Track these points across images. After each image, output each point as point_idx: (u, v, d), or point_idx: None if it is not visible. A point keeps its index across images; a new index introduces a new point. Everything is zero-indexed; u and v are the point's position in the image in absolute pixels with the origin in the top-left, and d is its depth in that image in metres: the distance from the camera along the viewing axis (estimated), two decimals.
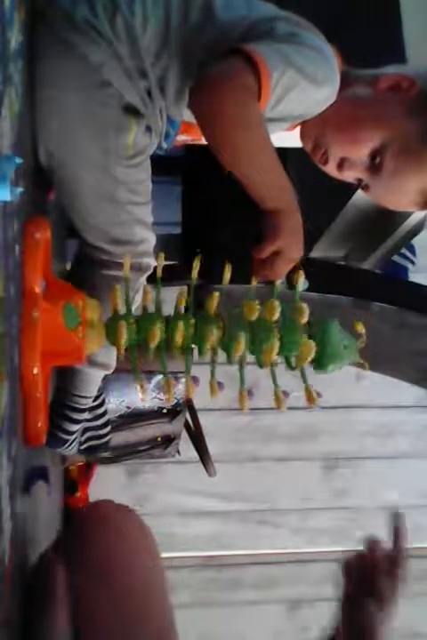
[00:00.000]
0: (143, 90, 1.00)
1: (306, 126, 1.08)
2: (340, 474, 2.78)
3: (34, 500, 1.05)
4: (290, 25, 1.01)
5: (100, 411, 1.26)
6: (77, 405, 1.17)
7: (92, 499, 2.41)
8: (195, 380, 0.85)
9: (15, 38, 0.77)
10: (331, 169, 1.08)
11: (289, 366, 0.88)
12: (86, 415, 1.20)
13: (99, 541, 0.95)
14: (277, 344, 0.85)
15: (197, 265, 0.89)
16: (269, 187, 0.98)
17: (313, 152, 1.08)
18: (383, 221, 2.19)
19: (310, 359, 0.86)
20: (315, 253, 2.34)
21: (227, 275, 0.89)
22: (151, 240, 1.11)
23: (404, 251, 2.48)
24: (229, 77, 0.93)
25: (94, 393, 1.19)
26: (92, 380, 1.17)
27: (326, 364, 0.88)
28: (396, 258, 2.49)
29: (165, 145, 1.12)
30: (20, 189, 0.64)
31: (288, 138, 1.13)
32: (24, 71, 0.86)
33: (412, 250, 2.53)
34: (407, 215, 2.08)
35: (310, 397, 0.85)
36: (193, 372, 0.87)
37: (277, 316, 0.85)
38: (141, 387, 0.87)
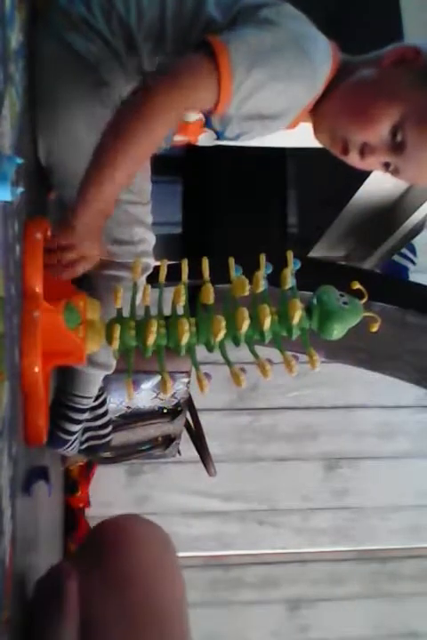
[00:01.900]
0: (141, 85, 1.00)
1: (317, 122, 1.05)
2: (340, 474, 2.78)
3: (34, 500, 1.05)
4: (276, 13, 0.99)
5: (101, 410, 1.26)
6: (78, 406, 1.17)
7: (92, 499, 2.42)
8: (207, 375, 0.85)
9: (16, 38, 0.77)
10: (353, 159, 1.04)
11: (289, 335, 0.88)
12: (87, 415, 1.20)
13: (118, 555, 0.94)
14: (269, 310, 0.86)
15: (206, 266, 0.89)
16: (115, 183, 0.93)
17: (332, 146, 1.05)
18: (384, 221, 2.19)
19: (298, 318, 0.86)
20: (316, 253, 2.34)
21: (232, 272, 0.89)
22: (150, 240, 1.11)
23: (404, 250, 2.48)
24: (177, 77, 0.92)
25: (95, 393, 1.19)
26: (93, 380, 1.16)
27: (331, 326, 0.89)
28: (396, 257, 2.49)
29: (163, 144, 1.12)
30: (20, 189, 0.64)
31: (288, 138, 1.13)
32: (25, 71, 0.86)
33: (413, 249, 2.53)
34: (408, 215, 2.08)
35: (313, 362, 0.85)
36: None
37: (261, 288, 0.87)
38: (130, 391, 0.87)
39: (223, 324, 0.85)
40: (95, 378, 1.16)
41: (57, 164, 1.03)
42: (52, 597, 0.86)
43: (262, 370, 0.84)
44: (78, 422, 1.19)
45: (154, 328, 0.87)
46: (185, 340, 0.87)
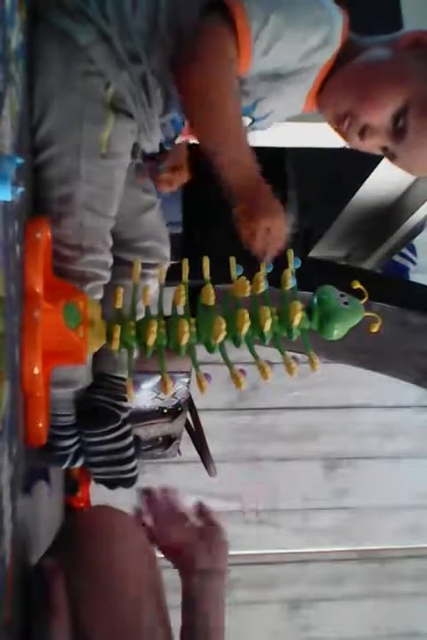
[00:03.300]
0: (137, 78, 0.98)
1: (324, 96, 1.04)
2: (340, 474, 2.78)
3: (35, 500, 1.05)
4: None
5: (120, 444, 1.18)
6: (61, 423, 1.11)
7: (92, 498, 2.41)
8: (207, 376, 0.85)
9: (16, 38, 0.77)
10: (353, 139, 1.03)
11: (289, 336, 0.88)
12: (75, 429, 1.14)
13: (96, 549, 0.94)
14: (270, 312, 0.86)
15: (207, 265, 0.89)
16: (239, 162, 0.95)
17: (335, 122, 1.04)
18: (384, 221, 2.19)
19: (299, 320, 0.86)
20: (316, 253, 2.34)
21: (233, 271, 0.89)
22: (104, 254, 1.02)
23: (405, 250, 2.48)
24: (203, 48, 0.92)
25: (71, 409, 1.11)
26: (60, 398, 1.08)
27: (331, 327, 0.88)
28: (397, 257, 2.49)
29: (167, 148, 1.12)
30: (20, 189, 0.64)
31: (288, 138, 1.13)
32: (25, 71, 0.86)
33: (413, 249, 2.53)
34: (408, 215, 2.08)
35: (313, 365, 0.85)
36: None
37: (262, 288, 0.87)
38: (130, 391, 0.87)
39: (223, 325, 0.85)
40: (63, 396, 1.08)
41: (37, 146, 0.98)
42: (41, 598, 0.87)
43: (262, 372, 0.84)
44: (69, 437, 1.13)
45: (154, 328, 0.87)
46: (185, 340, 0.87)
